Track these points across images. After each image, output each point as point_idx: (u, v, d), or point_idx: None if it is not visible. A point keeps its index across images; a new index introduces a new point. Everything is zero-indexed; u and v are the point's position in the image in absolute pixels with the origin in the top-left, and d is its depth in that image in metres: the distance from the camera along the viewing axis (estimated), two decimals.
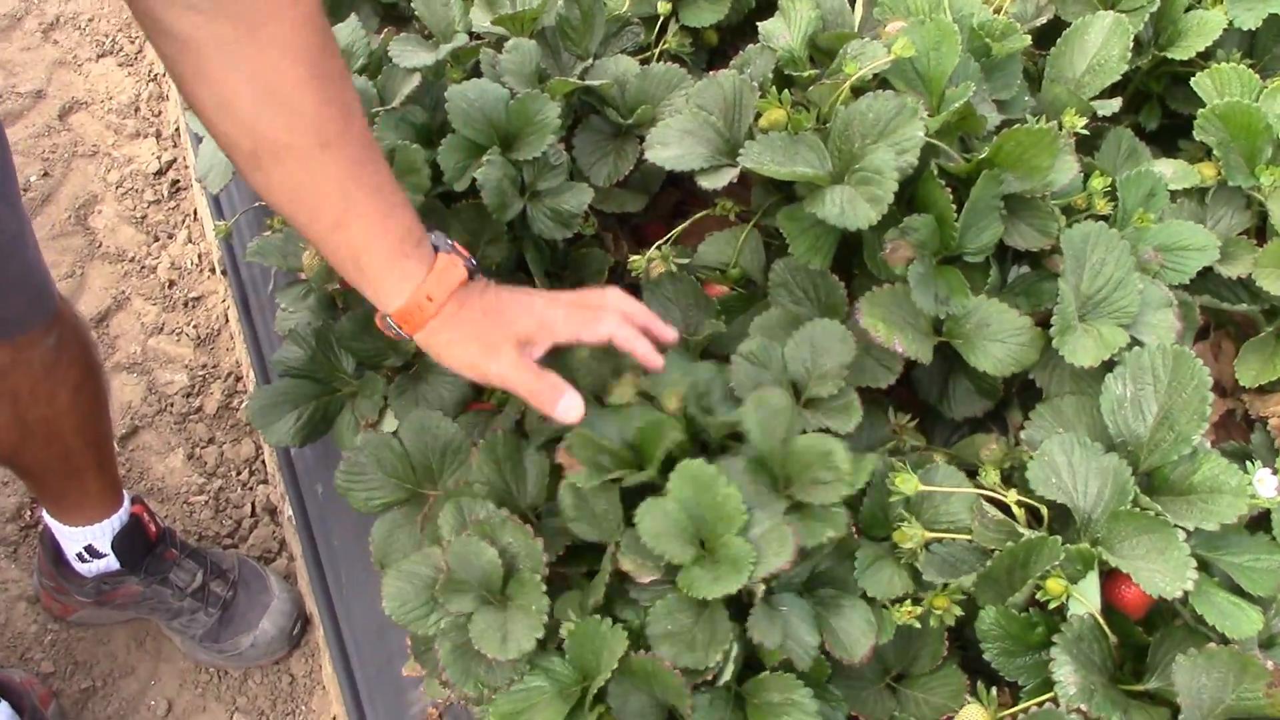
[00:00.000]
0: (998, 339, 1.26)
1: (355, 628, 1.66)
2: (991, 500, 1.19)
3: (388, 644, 1.59)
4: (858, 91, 1.33)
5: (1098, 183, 1.35)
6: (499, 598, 1.16)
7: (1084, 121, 1.38)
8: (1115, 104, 1.48)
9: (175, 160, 2.56)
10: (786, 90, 1.39)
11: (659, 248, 1.47)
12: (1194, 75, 1.50)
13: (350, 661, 1.64)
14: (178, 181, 2.54)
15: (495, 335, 1.21)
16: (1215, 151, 1.45)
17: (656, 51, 1.65)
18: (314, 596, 1.77)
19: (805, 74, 1.44)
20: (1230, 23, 1.53)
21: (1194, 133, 1.45)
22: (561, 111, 1.45)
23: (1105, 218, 1.35)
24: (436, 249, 1.21)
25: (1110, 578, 1.15)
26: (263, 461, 2.13)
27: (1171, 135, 1.63)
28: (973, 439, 1.36)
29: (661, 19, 1.65)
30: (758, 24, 1.51)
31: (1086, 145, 1.48)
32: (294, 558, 1.97)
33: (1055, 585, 1.11)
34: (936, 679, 1.22)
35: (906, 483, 1.17)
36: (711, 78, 1.41)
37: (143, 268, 2.41)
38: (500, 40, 1.57)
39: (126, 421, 2.18)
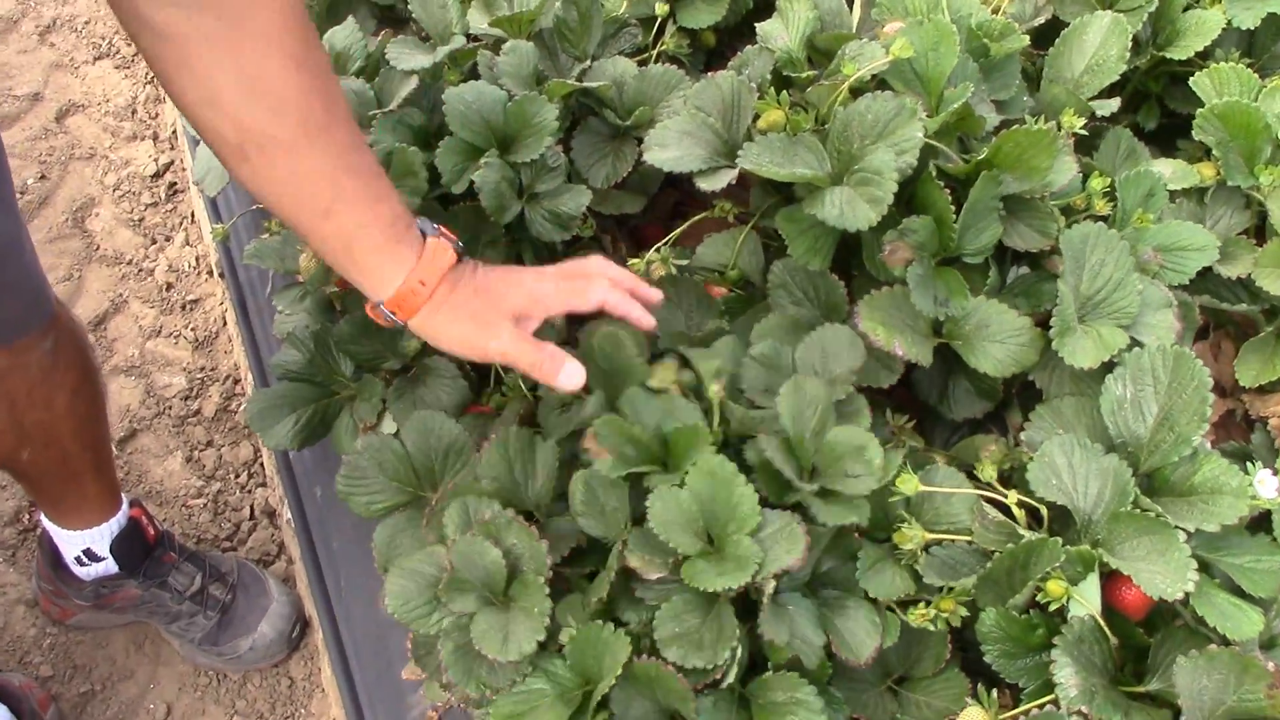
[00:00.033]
0: (997, 340, 1.26)
1: (355, 631, 1.65)
2: (991, 501, 1.19)
3: (387, 647, 1.59)
4: (856, 92, 1.33)
5: (1097, 183, 1.35)
6: (502, 599, 1.16)
7: (1082, 122, 1.38)
8: (1114, 104, 1.48)
9: (172, 163, 2.56)
10: (785, 91, 1.39)
11: (658, 250, 1.47)
12: (1192, 75, 1.50)
13: (350, 665, 1.64)
14: (175, 184, 2.54)
15: (490, 313, 1.23)
16: (1214, 151, 1.45)
17: (654, 53, 1.65)
18: (313, 599, 1.76)
19: (803, 75, 1.43)
20: (1229, 22, 1.53)
21: (1193, 132, 1.45)
22: (559, 113, 1.44)
23: (1104, 218, 1.34)
24: (424, 234, 1.23)
25: (1111, 579, 1.14)
26: (261, 464, 2.13)
27: (1170, 135, 1.63)
28: (972, 440, 1.36)
29: (659, 20, 1.65)
30: (755, 25, 1.51)
31: (1085, 145, 1.48)
32: (293, 560, 1.96)
33: (1056, 587, 1.11)
34: (938, 682, 1.22)
35: (907, 483, 1.17)
36: (710, 79, 1.41)
37: (140, 270, 2.41)
38: (498, 42, 1.57)
39: (125, 424, 2.17)
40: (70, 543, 1.77)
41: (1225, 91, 1.47)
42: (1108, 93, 1.50)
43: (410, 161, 1.45)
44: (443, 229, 1.25)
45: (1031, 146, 1.28)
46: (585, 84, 1.52)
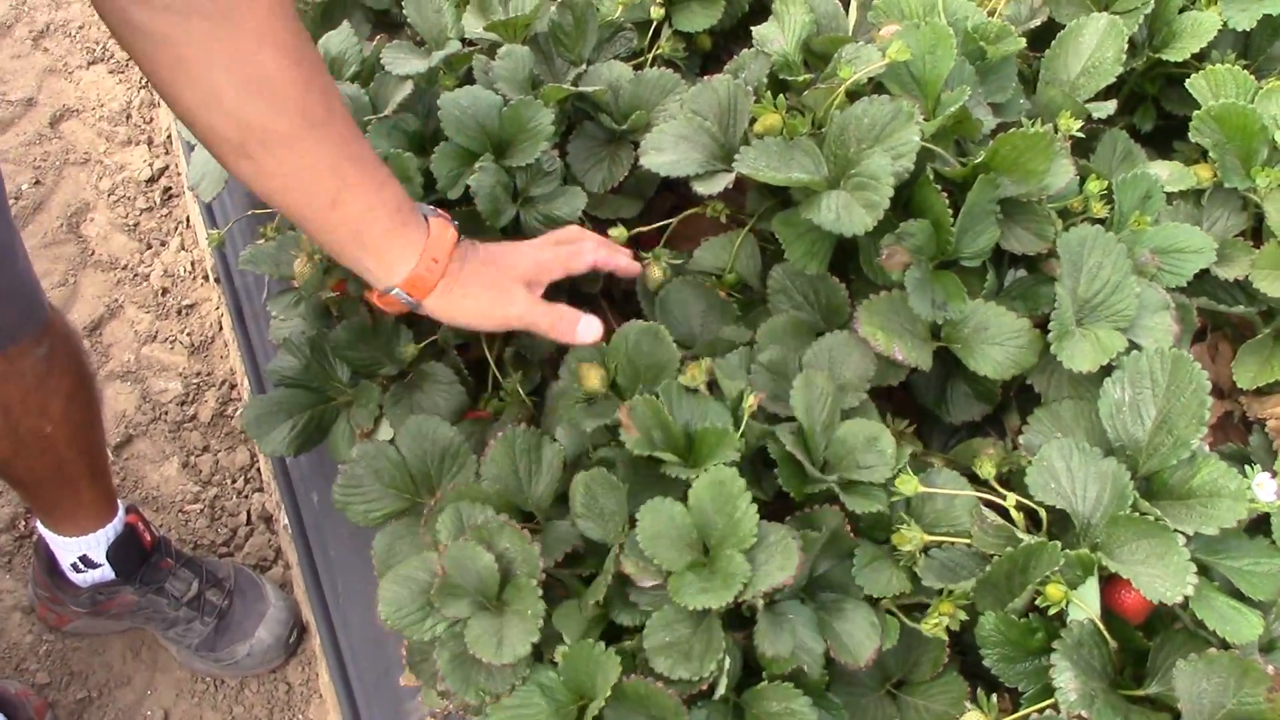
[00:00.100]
0: (996, 342, 1.26)
1: (352, 636, 1.65)
2: (990, 504, 1.19)
3: (385, 653, 1.58)
4: (853, 96, 1.33)
5: (1094, 186, 1.35)
6: (495, 603, 1.15)
7: (1079, 124, 1.38)
8: (1110, 106, 1.48)
9: (167, 167, 2.56)
10: (781, 95, 1.39)
11: (654, 251, 1.46)
12: (1189, 77, 1.49)
13: (347, 670, 1.63)
14: (170, 189, 2.53)
15: (503, 280, 1.27)
16: (1211, 153, 1.44)
17: (650, 57, 1.64)
18: (310, 605, 1.76)
19: (800, 78, 1.43)
20: (1225, 24, 1.53)
21: (1189, 134, 1.45)
22: (555, 118, 1.44)
23: (1101, 221, 1.34)
24: (426, 216, 1.26)
25: (1110, 583, 1.14)
26: (258, 469, 2.12)
27: (1166, 137, 1.62)
28: (970, 443, 1.35)
29: (654, 24, 1.64)
30: (751, 28, 1.51)
31: (1081, 148, 1.48)
32: (290, 566, 1.96)
33: (1055, 591, 1.10)
34: (937, 686, 1.22)
35: (906, 483, 1.17)
36: (706, 83, 1.41)
37: (135, 275, 2.40)
38: (493, 47, 1.57)
39: (120, 430, 2.17)
40: (66, 549, 1.77)
41: (1221, 93, 1.47)
42: (1104, 95, 1.50)
43: (405, 167, 1.45)
44: (437, 209, 1.29)
45: (1028, 149, 1.27)
46: (581, 88, 1.51)
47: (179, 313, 2.34)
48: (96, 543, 1.77)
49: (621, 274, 1.39)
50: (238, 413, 2.18)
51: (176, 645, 1.89)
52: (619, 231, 1.45)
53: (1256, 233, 1.46)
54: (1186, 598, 1.07)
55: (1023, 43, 1.43)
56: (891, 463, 1.19)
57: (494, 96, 1.46)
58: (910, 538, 1.17)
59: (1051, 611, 1.11)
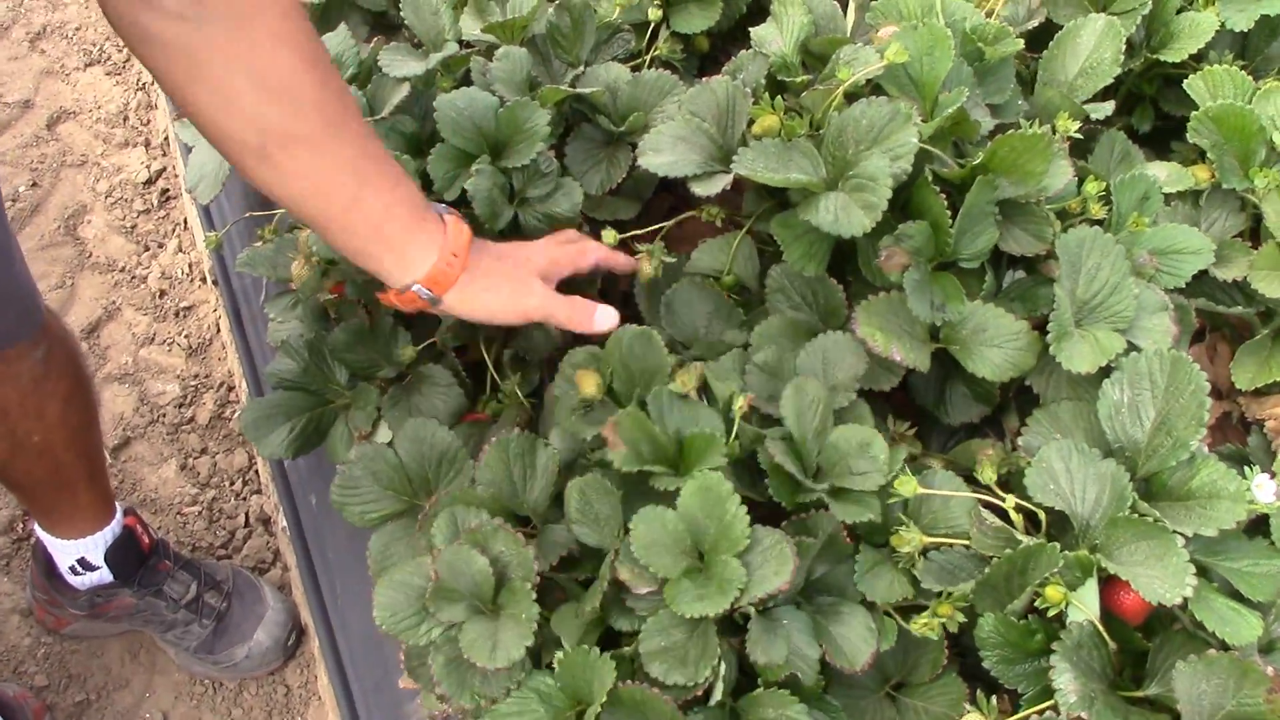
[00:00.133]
0: (995, 344, 1.25)
1: (351, 638, 1.65)
2: (989, 506, 1.19)
3: (384, 655, 1.58)
4: (851, 97, 1.33)
5: (1092, 187, 1.35)
6: (491, 607, 1.15)
7: (1077, 125, 1.38)
8: (1108, 107, 1.47)
9: (165, 169, 2.55)
10: (779, 96, 1.39)
11: (649, 246, 1.46)
12: (1186, 77, 1.49)
13: (346, 673, 1.63)
14: (167, 190, 2.53)
15: (521, 273, 1.29)
16: (1209, 154, 1.44)
17: (648, 58, 1.64)
18: (309, 607, 1.76)
19: (798, 80, 1.43)
20: (1222, 24, 1.53)
21: (1187, 135, 1.45)
22: (551, 119, 1.44)
23: (1100, 222, 1.34)
24: (439, 213, 1.27)
25: (1109, 584, 1.14)
26: (256, 471, 2.12)
27: (1164, 137, 1.62)
28: (969, 444, 1.35)
29: (652, 25, 1.64)
30: (749, 29, 1.50)
31: (1079, 149, 1.48)
32: (288, 568, 1.96)
33: (1054, 592, 1.10)
34: (936, 687, 1.22)
35: (905, 485, 1.17)
36: (704, 84, 1.41)
37: (133, 278, 2.40)
38: (490, 48, 1.56)
39: (118, 432, 2.17)
40: (64, 552, 1.77)
41: (1219, 94, 1.47)
42: (1102, 95, 1.50)
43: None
44: (449, 207, 1.30)
45: (1026, 151, 1.27)
46: (578, 90, 1.51)
47: (177, 315, 2.34)
48: (95, 545, 1.76)
49: (620, 271, 1.42)
50: (236, 415, 2.18)
51: (175, 648, 1.89)
52: (610, 234, 1.45)
53: (1255, 233, 1.46)
54: (1186, 599, 1.07)
55: (1021, 44, 1.43)
56: (884, 468, 1.18)
57: (490, 98, 1.46)
58: (909, 539, 1.17)
59: (1051, 613, 1.11)
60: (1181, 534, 1.11)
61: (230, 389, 2.23)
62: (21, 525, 2.06)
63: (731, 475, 1.19)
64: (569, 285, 1.42)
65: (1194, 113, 1.44)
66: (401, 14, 1.61)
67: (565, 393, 1.30)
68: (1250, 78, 1.47)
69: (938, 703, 1.21)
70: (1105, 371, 1.21)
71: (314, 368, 1.50)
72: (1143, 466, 1.19)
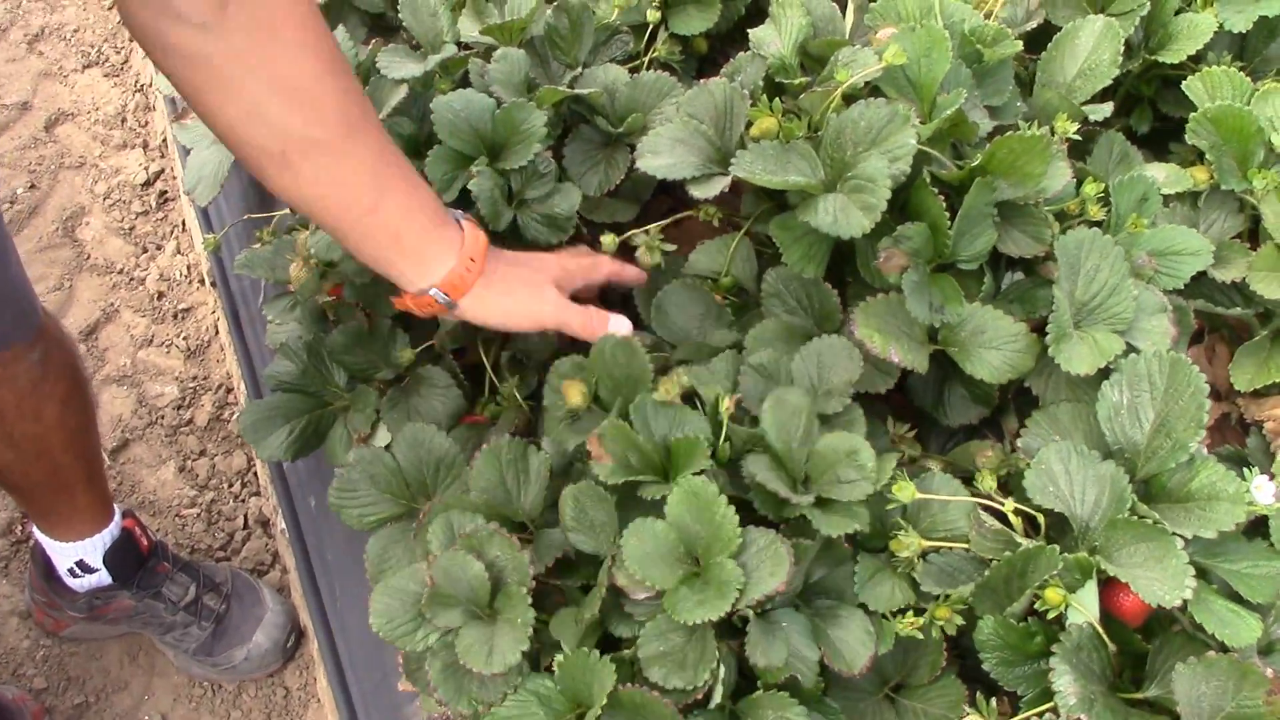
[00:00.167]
0: (993, 346, 1.25)
1: (350, 641, 1.65)
2: (989, 509, 1.19)
3: (383, 657, 1.58)
4: (849, 99, 1.32)
5: (1091, 188, 1.35)
6: (487, 611, 1.15)
7: (1076, 127, 1.38)
8: (1106, 108, 1.47)
9: (163, 171, 2.55)
10: (777, 98, 1.39)
11: (645, 232, 1.46)
12: (1185, 78, 1.49)
13: (345, 675, 1.63)
14: (165, 192, 2.53)
15: (537, 279, 1.30)
16: (1207, 155, 1.44)
17: (646, 60, 1.64)
18: (308, 609, 1.76)
19: (796, 81, 1.43)
20: (1221, 25, 1.53)
21: (1186, 136, 1.45)
22: (548, 120, 1.44)
23: (1099, 223, 1.34)
24: (456, 218, 1.28)
25: (1108, 586, 1.14)
26: (255, 473, 2.12)
27: (1162, 139, 1.62)
28: (968, 446, 1.35)
29: (650, 27, 1.64)
30: (748, 31, 1.50)
31: (1078, 150, 1.48)
32: (287, 570, 1.96)
33: (1054, 594, 1.10)
34: (935, 689, 1.22)
35: (903, 490, 1.17)
36: (702, 86, 1.41)
37: (131, 279, 2.40)
38: (489, 50, 1.56)
39: (117, 434, 2.17)
40: (63, 554, 1.77)
41: (1218, 95, 1.47)
42: (1100, 97, 1.49)
43: None
44: (465, 213, 1.31)
45: (1025, 152, 1.27)
46: (577, 91, 1.51)
47: (175, 317, 2.34)
48: (93, 547, 1.76)
49: (632, 284, 1.45)
50: (235, 417, 2.18)
51: (174, 650, 1.88)
52: (610, 239, 1.46)
53: (1253, 234, 1.46)
54: (1185, 601, 1.07)
55: (1019, 45, 1.43)
56: (872, 476, 1.17)
57: (487, 100, 1.46)
58: (908, 544, 1.17)
59: (1050, 615, 1.11)
60: (1181, 536, 1.11)
61: (229, 391, 2.23)
62: (20, 528, 2.06)
63: (724, 478, 1.19)
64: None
65: (1192, 114, 1.44)
66: (399, 15, 1.61)
67: (553, 402, 1.30)
68: (1249, 79, 1.47)
69: (937, 705, 1.21)
70: (1104, 373, 1.21)
71: (313, 370, 1.50)
72: (1142, 468, 1.19)
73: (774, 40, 1.47)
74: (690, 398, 1.26)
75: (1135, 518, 1.12)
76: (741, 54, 1.50)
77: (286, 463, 1.82)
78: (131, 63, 2.78)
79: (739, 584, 1.09)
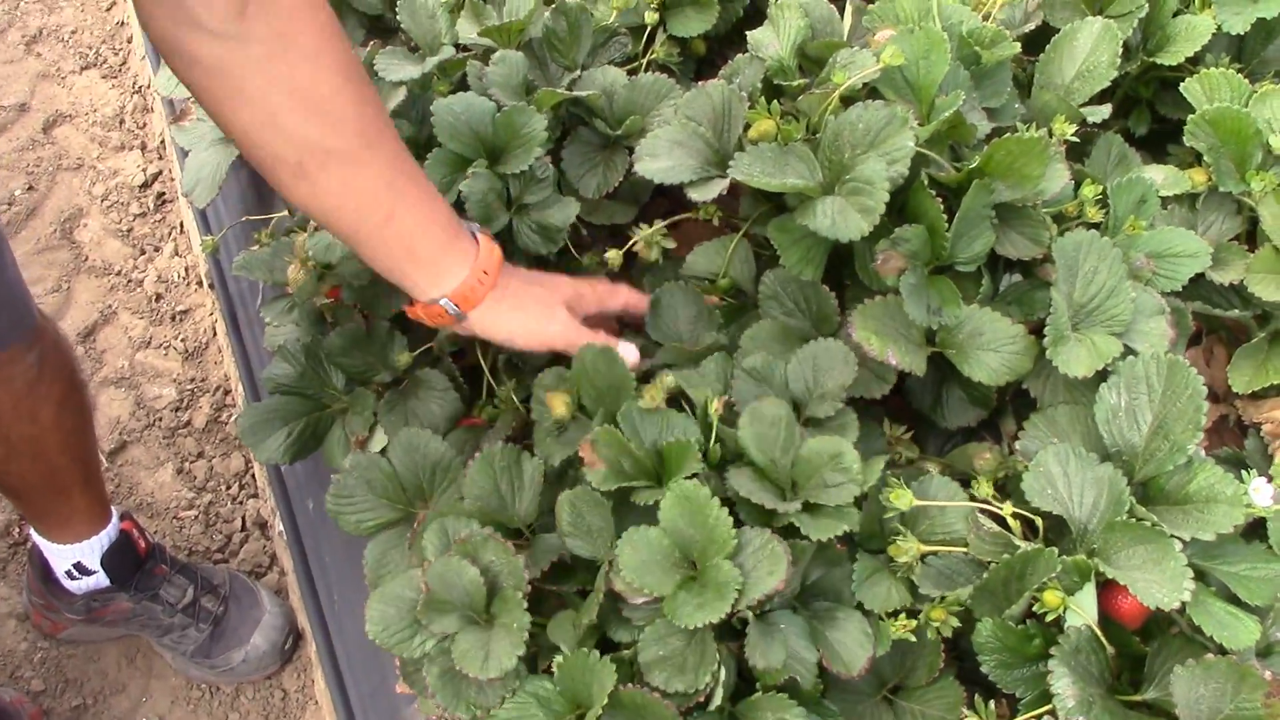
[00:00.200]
0: (991, 348, 1.25)
1: (348, 643, 1.65)
2: (987, 512, 1.19)
3: (381, 659, 1.58)
4: (847, 101, 1.32)
5: (1089, 190, 1.35)
6: (484, 616, 1.15)
7: (1074, 129, 1.38)
8: (1105, 110, 1.47)
9: (161, 172, 2.55)
10: (776, 100, 1.39)
11: (647, 233, 1.46)
12: (1183, 80, 1.50)
13: (343, 677, 1.63)
14: (163, 194, 2.53)
15: (549, 298, 1.30)
16: (1205, 157, 1.44)
17: (644, 62, 1.64)
18: (306, 611, 1.76)
19: (794, 83, 1.43)
20: (1218, 27, 1.53)
21: (1184, 138, 1.45)
22: (549, 124, 1.44)
23: (1097, 225, 1.34)
24: (472, 232, 1.28)
25: (1107, 589, 1.14)
26: (253, 476, 2.12)
27: (1160, 140, 1.62)
28: (966, 448, 1.35)
29: (649, 29, 1.64)
30: (746, 33, 1.51)
31: (1076, 152, 1.48)
32: (285, 572, 1.96)
33: (1052, 597, 1.10)
34: (934, 691, 1.21)
35: (901, 499, 1.17)
36: (700, 88, 1.41)
37: (129, 281, 2.39)
38: (487, 52, 1.56)
39: (115, 436, 2.16)
40: (60, 556, 1.76)
41: (1216, 97, 1.47)
42: (1098, 99, 1.50)
43: None
44: (482, 227, 1.31)
45: (1023, 154, 1.27)
46: (575, 94, 1.51)
47: (173, 318, 2.34)
48: (90, 550, 1.76)
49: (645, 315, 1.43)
50: (233, 419, 2.18)
51: (172, 652, 1.88)
52: (615, 255, 1.46)
53: (1251, 236, 1.46)
54: (1183, 603, 1.07)
55: (1017, 47, 1.43)
56: (859, 479, 1.17)
57: (487, 103, 1.46)
58: (906, 549, 1.17)
59: (1049, 618, 1.11)
60: (1179, 538, 1.11)
61: (226, 393, 2.23)
62: (18, 530, 2.05)
63: (716, 480, 1.19)
64: None
65: (1190, 116, 1.45)
66: (398, 17, 1.61)
67: (540, 414, 1.30)
68: (1246, 81, 1.47)
69: (935, 707, 1.21)
70: (1102, 375, 1.21)
71: (310, 372, 1.50)
72: (1140, 470, 1.19)
73: (772, 42, 1.47)
74: (679, 401, 1.26)
75: (1133, 520, 1.12)
76: (739, 56, 1.50)
77: (284, 465, 1.82)
78: (129, 64, 2.77)
79: (737, 585, 1.09)
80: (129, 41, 2.79)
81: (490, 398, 1.46)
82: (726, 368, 1.29)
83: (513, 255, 1.47)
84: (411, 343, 1.48)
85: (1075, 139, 1.39)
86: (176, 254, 2.42)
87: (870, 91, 1.36)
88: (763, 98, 1.40)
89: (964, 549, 1.18)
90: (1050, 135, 1.36)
